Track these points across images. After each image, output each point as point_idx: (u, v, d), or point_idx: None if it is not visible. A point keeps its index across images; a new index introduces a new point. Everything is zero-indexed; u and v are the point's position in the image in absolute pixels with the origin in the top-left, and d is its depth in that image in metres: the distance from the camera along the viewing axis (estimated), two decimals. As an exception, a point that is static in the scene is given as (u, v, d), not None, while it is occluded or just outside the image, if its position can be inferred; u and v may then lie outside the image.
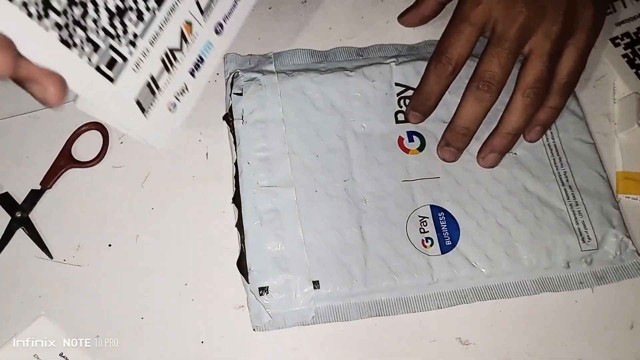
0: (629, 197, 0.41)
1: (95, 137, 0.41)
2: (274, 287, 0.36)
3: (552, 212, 0.39)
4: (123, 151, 0.41)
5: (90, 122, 0.41)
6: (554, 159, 0.41)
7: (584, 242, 0.39)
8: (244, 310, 0.37)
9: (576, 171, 0.41)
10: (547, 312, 0.38)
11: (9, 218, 0.38)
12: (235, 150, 0.40)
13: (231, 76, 0.42)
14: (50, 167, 0.40)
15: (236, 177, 0.39)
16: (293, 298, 0.36)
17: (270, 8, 0.46)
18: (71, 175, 0.40)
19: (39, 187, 0.39)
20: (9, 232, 0.38)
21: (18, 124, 0.41)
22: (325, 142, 0.40)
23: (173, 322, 0.37)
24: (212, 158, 0.41)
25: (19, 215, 0.38)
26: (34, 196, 0.39)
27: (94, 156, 0.40)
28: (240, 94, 0.40)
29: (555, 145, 0.42)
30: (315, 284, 0.36)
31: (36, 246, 0.38)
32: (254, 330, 0.36)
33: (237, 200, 0.39)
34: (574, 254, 0.38)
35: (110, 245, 0.38)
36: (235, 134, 0.40)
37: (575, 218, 0.39)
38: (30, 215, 0.38)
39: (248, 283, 0.36)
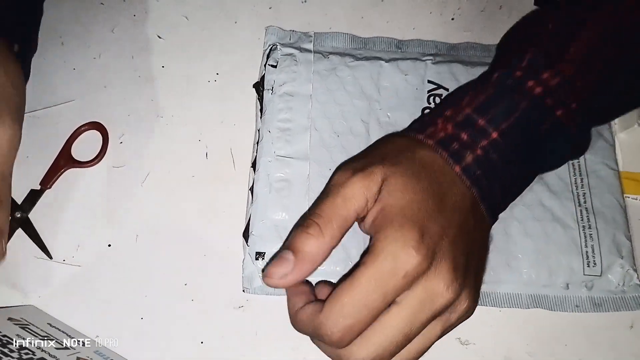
0: (629, 197, 0.41)
1: (95, 137, 0.41)
2: (271, 254, 0.36)
3: (563, 230, 0.38)
4: (123, 151, 0.41)
5: (90, 122, 0.41)
6: (575, 178, 0.40)
7: (588, 266, 0.38)
8: (244, 310, 0.37)
9: (595, 194, 0.40)
10: (547, 312, 0.38)
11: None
12: (261, 118, 0.40)
13: (269, 48, 0.43)
14: (50, 167, 0.40)
15: (257, 143, 0.40)
16: None
17: (270, 8, 0.46)
18: (71, 175, 0.40)
19: (38, 187, 0.39)
20: (9, 232, 0.38)
21: (18, 124, 0.41)
22: (349, 123, 0.40)
23: (173, 322, 0.37)
24: (212, 158, 0.41)
25: (19, 215, 0.38)
26: (34, 196, 0.39)
27: (94, 156, 0.40)
28: (275, 66, 0.42)
29: (579, 165, 0.41)
30: None
31: (36, 246, 0.38)
32: (243, 291, 0.36)
33: (255, 165, 0.39)
34: (576, 277, 0.37)
35: (110, 245, 0.38)
36: (263, 103, 0.41)
37: (585, 240, 0.38)
38: (29, 216, 0.38)
39: (248, 246, 0.37)
